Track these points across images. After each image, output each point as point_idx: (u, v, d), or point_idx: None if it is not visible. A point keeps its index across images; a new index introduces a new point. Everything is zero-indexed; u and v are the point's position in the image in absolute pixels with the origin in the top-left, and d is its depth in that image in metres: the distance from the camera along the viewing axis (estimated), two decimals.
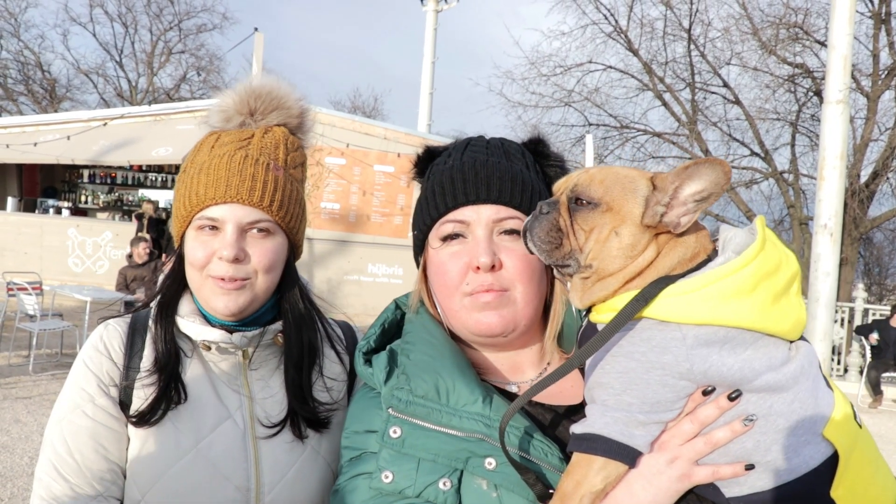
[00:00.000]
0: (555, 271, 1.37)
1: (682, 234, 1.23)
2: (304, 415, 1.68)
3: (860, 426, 1.22)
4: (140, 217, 16.25)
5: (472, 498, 1.32)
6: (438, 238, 1.49)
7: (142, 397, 1.58)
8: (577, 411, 1.42)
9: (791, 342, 1.20)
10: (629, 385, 1.17)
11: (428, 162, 1.61)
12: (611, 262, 1.23)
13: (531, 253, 1.31)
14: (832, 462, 1.16)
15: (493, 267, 1.40)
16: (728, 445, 1.17)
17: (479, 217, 1.45)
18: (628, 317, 1.16)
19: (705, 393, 1.17)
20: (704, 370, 1.14)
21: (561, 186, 1.32)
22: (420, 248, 1.58)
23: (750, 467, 1.16)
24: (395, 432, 1.35)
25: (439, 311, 1.54)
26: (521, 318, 1.44)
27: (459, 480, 1.33)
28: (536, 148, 1.60)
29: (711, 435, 1.17)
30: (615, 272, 1.23)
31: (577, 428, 1.22)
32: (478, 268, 1.40)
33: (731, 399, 1.15)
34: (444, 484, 1.31)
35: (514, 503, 1.29)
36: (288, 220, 1.68)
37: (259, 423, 1.66)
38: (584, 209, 1.24)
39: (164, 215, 16.64)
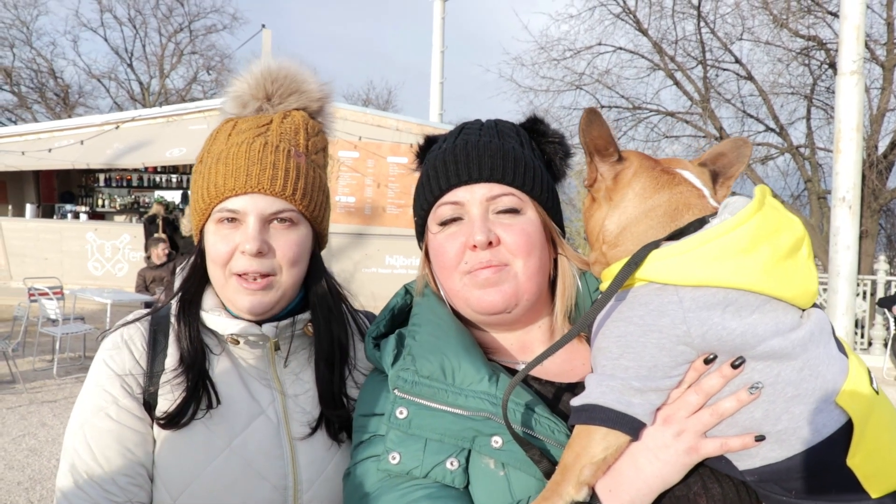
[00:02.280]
0: None
1: (653, 193, 1.25)
2: (335, 420, 1.62)
3: (877, 392, 1.18)
4: (153, 219, 16.24)
5: (480, 477, 1.31)
6: (436, 223, 1.48)
7: (169, 398, 1.52)
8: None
9: (803, 310, 1.17)
10: (626, 349, 1.16)
11: (427, 150, 1.61)
12: (585, 225, 1.38)
13: None
14: (847, 430, 1.12)
15: (490, 244, 1.40)
16: (736, 416, 1.14)
17: (473, 196, 1.44)
18: (620, 282, 1.16)
19: (707, 361, 1.14)
20: (702, 334, 1.11)
21: None
22: (422, 233, 1.57)
23: (760, 438, 1.13)
24: (401, 413, 1.34)
25: (442, 293, 1.53)
26: (522, 291, 1.43)
27: (467, 460, 1.32)
28: (533, 126, 1.59)
29: (717, 405, 1.15)
30: (587, 232, 1.37)
31: (575, 400, 1.21)
32: (475, 246, 1.40)
33: (734, 367, 1.12)
34: (452, 464, 1.30)
35: (522, 481, 1.28)
36: (312, 208, 1.61)
37: (294, 421, 1.60)
38: None
39: (178, 216, 16.64)
